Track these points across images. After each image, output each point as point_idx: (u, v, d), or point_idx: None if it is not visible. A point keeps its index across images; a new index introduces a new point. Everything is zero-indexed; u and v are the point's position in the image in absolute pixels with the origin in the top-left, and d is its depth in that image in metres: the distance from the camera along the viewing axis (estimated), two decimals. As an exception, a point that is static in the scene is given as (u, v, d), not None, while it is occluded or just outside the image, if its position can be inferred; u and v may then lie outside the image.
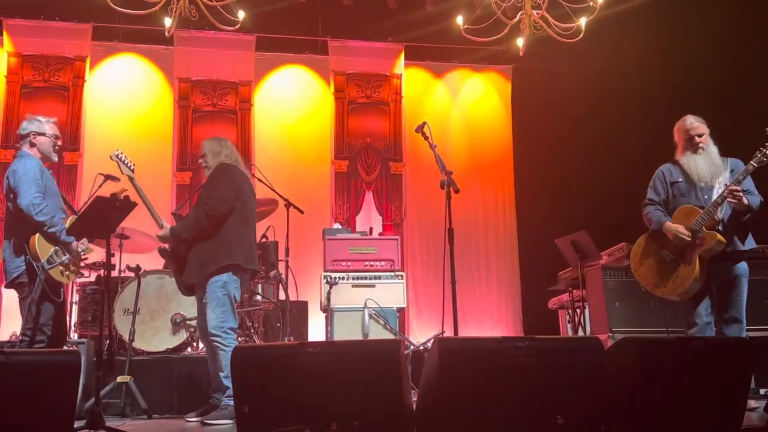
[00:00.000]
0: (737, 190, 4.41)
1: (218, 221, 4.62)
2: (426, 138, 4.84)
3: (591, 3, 6.47)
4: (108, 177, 5.59)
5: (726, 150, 4.77)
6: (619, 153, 9.11)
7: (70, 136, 8.45)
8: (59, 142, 4.89)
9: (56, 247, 4.58)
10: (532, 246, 9.08)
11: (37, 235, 4.50)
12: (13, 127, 8.25)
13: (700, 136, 4.71)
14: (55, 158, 4.88)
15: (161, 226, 4.76)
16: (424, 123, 4.91)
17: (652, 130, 8.18)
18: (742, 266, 4.61)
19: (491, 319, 9.16)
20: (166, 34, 6.45)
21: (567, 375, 3.05)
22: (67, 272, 4.65)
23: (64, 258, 4.60)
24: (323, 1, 8.98)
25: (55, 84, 8.62)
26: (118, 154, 4.85)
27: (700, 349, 3.21)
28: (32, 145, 4.73)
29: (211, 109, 9.05)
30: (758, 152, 4.44)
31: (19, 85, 8.50)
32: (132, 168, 4.87)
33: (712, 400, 3.18)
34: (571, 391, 3.04)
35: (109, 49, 8.86)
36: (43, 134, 4.75)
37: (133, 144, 8.29)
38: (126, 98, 8.84)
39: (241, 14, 6.37)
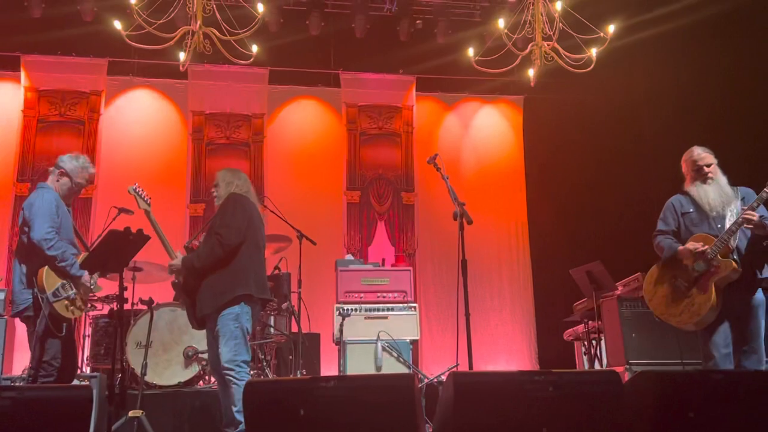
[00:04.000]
0: (751, 214, 4.37)
1: (231, 251, 4.62)
2: (438, 169, 4.84)
3: (602, 34, 6.50)
4: (122, 210, 5.63)
5: (737, 179, 4.74)
6: (632, 182, 9.08)
7: (85, 169, 8.54)
8: (79, 191, 4.93)
9: (63, 281, 4.57)
10: (546, 277, 9.03)
11: (46, 267, 4.50)
12: (29, 162, 8.37)
13: (708, 166, 4.70)
14: (68, 201, 4.86)
15: (173, 259, 4.76)
16: (436, 155, 4.92)
17: (665, 159, 8.14)
18: (759, 296, 4.55)
19: (506, 350, 9.07)
20: (181, 68, 6.54)
21: (584, 409, 3.00)
22: (72, 307, 4.61)
23: (70, 292, 4.58)
24: (335, 34, 9.10)
25: (71, 118, 8.75)
26: (135, 188, 4.87)
27: (721, 383, 3.15)
28: (57, 180, 4.78)
29: (224, 141, 9.14)
30: None
31: (36, 119, 8.64)
32: (149, 202, 4.89)
33: (735, 436, 3.11)
34: (588, 425, 2.98)
35: (124, 84, 9.00)
36: (70, 178, 4.78)
37: (147, 176, 8.34)
38: (140, 131, 8.95)
39: (255, 48, 6.44)
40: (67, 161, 4.81)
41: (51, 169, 4.86)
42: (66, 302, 4.56)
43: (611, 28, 6.49)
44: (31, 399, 3.10)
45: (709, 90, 7.94)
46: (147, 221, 4.79)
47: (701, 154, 4.74)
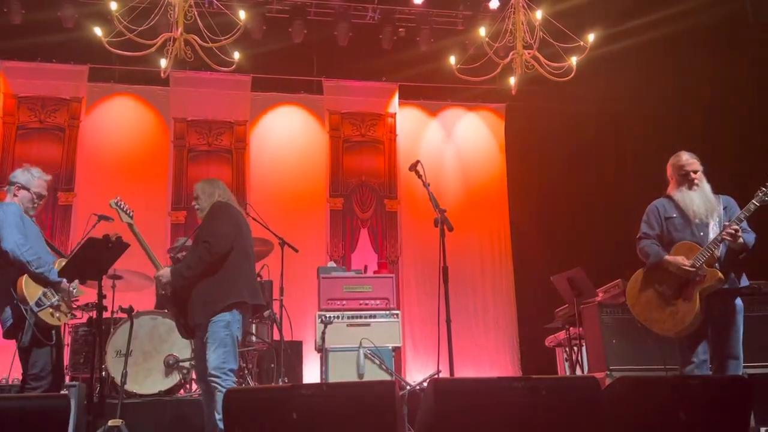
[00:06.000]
0: (735, 229, 4.40)
1: (221, 258, 4.58)
2: (419, 176, 4.85)
3: (581, 43, 6.57)
4: (102, 217, 5.57)
5: (719, 187, 4.78)
6: (612, 189, 9.16)
7: (65, 176, 8.49)
8: (41, 202, 4.88)
9: (45, 289, 4.53)
10: (528, 283, 9.07)
11: (25, 277, 4.45)
12: (7, 169, 8.28)
13: (695, 172, 4.72)
14: (31, 213, 4.81)
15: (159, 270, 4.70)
16: (418, 162, 4.93)
17: (645, 166, 8.22)
18: (738, 303, 4.58)
19: (488, 357, 9.09)
20: (162, 75, 6.52)
21: (563, 415, 3.02)
22: (58, 314, 4.58)
23: (54, 299, 4.54)
24: (318, 41, 9.11)
25: (50, 125, 8.67)
26: (117, 202, 4.79)
27: (698, 388, 3.18)
28: (15, 195, 4.75)
29: (206, 148, 9.10)
30: (759, 191, 4.44)
31: (15, 126, 8.55)
32: (131, 215, 4.81)
33: (712, 440, 3.14)
34: (568, 431, 3.00)
35: (105, 90, 8.94)
36: (27, 189, 4.75)
37: (129, 184, 8.31)
38: (122, 138, 8.89)
39: (237, 55, 6.44)
40: (20, 175, 4.79)
41: (6, 188, 4.81)
42: (51, 310, 4.52)
43: (591, 37, 6.57)
44: (8, 409, 3.06)
45: (690, 98, 8.04)
46: (129, 231, 4.73)
47: (689, 159, 4.76)
